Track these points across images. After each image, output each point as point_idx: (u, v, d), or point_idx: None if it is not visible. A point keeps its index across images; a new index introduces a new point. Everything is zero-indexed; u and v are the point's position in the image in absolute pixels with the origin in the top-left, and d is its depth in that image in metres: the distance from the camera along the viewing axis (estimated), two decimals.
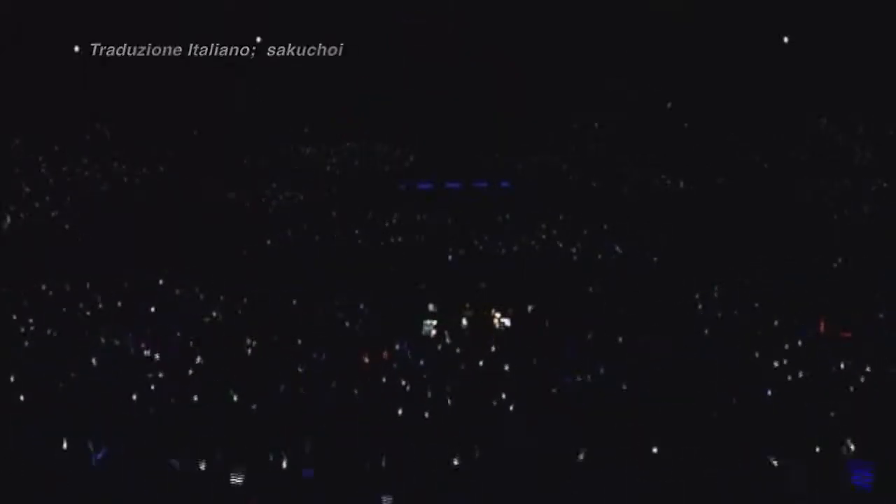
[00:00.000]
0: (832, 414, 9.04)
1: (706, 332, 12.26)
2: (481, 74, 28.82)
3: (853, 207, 19.59)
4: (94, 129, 26.50)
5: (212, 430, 8.54)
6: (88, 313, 13.93)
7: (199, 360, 11.14)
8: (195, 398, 9.49)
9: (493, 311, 13.87)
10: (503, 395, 9.72)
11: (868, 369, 10.36)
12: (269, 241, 18.25)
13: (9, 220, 20.09)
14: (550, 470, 7.87)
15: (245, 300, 14.41)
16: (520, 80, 28.04)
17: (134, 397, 9.44)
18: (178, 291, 15.13)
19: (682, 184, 22.25)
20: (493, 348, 12.00)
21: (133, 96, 25.58)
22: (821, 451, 8.04)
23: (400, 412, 9.21)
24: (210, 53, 26.06)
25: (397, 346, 11.40)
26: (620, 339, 11.83)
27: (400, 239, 18.60)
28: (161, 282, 15.61)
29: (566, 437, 8.58)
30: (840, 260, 15.87)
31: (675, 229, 18.60)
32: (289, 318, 13.51)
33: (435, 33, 28.47)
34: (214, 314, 13.75)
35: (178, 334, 12.38)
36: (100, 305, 14.24)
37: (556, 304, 13.91)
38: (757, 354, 11.00)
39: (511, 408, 9.38)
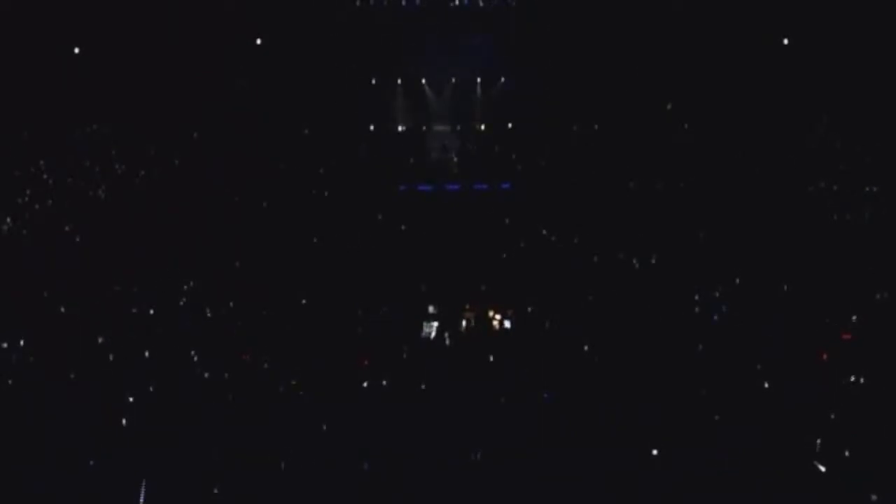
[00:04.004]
0: (832, 416, 9.03)
1: (705, 333, 12.24)
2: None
3: (854, 210, 19.59)
4: (94, 130, 26.51)
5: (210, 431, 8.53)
6: (87, 314, 13.93)
7: (197, 361, 11.14)
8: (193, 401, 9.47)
9: (493, 312, 13.88)
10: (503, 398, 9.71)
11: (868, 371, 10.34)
12: (268, 243, 18.20)
13: (9, 220, 20.11)
14: (549, 470, 7.87)
15: (244, 302, 14.38)
16: (519, 81, 28.07)
17: (131, 399, 9.44)
18: (176, 293, 15.13)
19: (681, 185, 22.23)
20: (492, 349, 11.99)
21: (133, 96, 25.55)
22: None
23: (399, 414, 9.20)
24: (210, 53, 26.03)
25: None
26: (619, 341, 11.83)
27: (400, 241, 18.58)
28: (161, 284, 15.57)
29: (565, 438, 8.59)
30: (840, 262, 15.83)
31: (674, 230, 18.57)
32: (288, 320, 13.50)
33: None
34: (210, 313, 13.79)
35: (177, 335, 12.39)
36: (99, 307, 14.24)
37: (557, 306, 13.90)
38: (757, 356, 11.00)
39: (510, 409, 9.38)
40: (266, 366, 11.21)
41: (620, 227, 18.82)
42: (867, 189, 20.81)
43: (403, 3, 27.80)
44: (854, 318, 12.77)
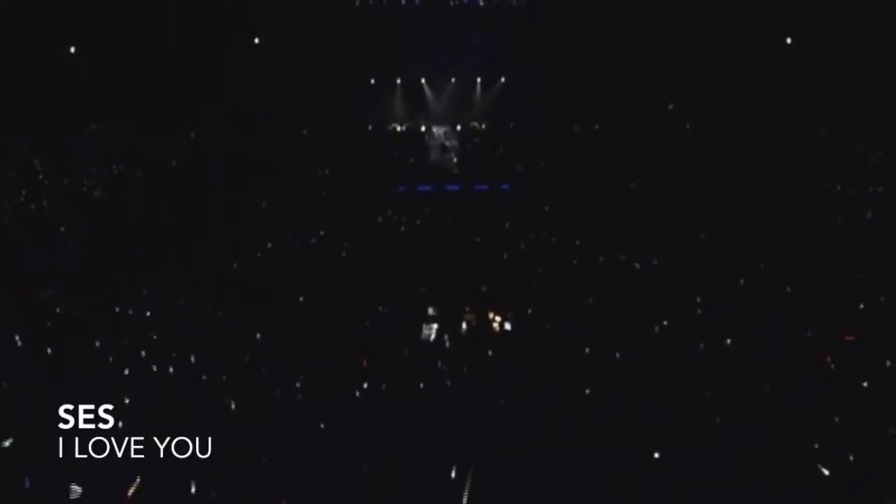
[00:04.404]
0: (833, 417, 9.01)
1: (706, 334, 12.21)
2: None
3: (856, 211, 19.57)
4: (92, 130, 26.49)
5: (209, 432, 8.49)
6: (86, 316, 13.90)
7: (196, 363, 11.11)
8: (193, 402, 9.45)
9: (493, 314, 13.85)
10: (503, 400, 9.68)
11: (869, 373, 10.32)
12: (267, 245, 18.18)
13: (7, 221, 20.08)
14: (549, 470, 7.85)
15: (244, 304, 14.35)
16: (519, 81, 28.07)
17: (127, 401, 9.40)
18: (175, 294, 15.11)
19: (682, 185, 22.22)
20: (493, 351, 11.97)
21: (132, 96, 25.53)
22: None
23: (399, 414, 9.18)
24: (210, 53, 26.01)
25: None
26: (618, 344, 11.80)
27: (400, 242, 18.55)
28: (160, 284, 15.55)
29: (565, 440, 8.57)
30: (841, 264, 15.81)
31: (675, 231, 18.56)
32: (288, 320, 13.48)
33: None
34: (209, 313, 13.77)
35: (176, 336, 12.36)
36: (98, 307, 14.21)
37: (557, 307, 13.87)
38: (757, 356, 10.98)
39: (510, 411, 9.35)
40: (266, 366, 11.19)
41: (621, 228, 18.80)
42: (869, 190, 20.80)
43: (403, 3, 27.80)
44: (856, 319, 12.76)
